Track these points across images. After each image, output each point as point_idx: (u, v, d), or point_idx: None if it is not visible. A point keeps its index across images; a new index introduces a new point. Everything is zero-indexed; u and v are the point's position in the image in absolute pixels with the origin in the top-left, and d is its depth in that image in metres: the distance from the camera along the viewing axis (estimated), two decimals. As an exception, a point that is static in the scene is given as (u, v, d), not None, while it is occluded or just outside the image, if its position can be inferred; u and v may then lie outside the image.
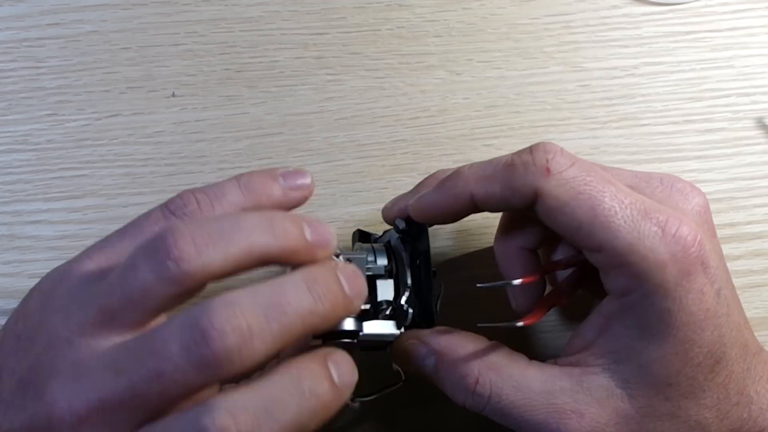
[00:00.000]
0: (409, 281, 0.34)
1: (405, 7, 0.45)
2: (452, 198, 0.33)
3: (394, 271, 0.35)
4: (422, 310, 0.34)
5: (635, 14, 0.46)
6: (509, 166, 0.31)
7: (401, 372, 0.35)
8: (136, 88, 0.43)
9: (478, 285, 0.32)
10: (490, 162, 0.33)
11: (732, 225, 0.43)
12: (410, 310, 0.34)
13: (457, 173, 0.33)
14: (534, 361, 0.33)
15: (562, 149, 0.31)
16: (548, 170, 0.30)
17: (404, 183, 0.43)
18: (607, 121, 0.44)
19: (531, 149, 0.32)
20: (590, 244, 0.30)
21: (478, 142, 0.44)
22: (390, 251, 0.35)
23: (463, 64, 0.44)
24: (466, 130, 0.44)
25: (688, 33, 0.46)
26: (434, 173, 0.37)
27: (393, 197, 0.38)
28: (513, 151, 0.33)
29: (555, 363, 0.33)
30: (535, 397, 0.31)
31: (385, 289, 0.34)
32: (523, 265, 0.35)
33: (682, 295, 0.29)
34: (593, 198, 0.30)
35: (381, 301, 0.34)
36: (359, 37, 0.44)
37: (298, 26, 0.44)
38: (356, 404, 0.34)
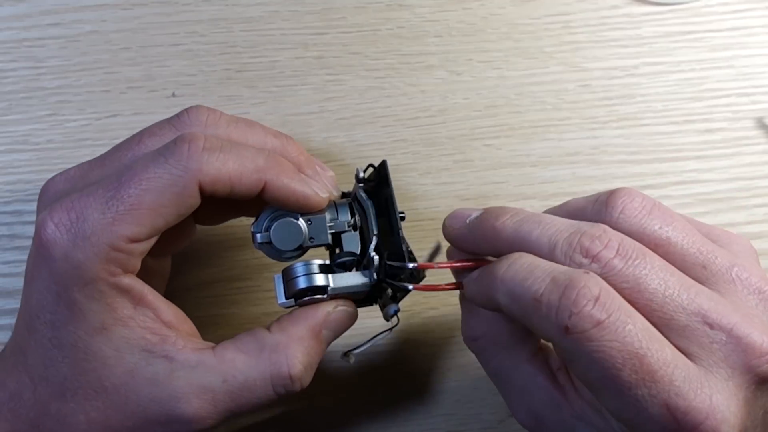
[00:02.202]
0: (375, 230, 0.34)
1: (405, 7, 0.45)
2: (479, 296, 0.32)
3: (359, 223, 0.35)
4: (392, 253, 0.34)
5: (635, 14, 0.46)
6: (536, 300, 0.28)
7: (397, 318, 0.35)
8: (136, 88, 0.43)
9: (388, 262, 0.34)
10: (525, 280, 0.29)
11: (732, 225, 0.43)
12: (375, 257, 0.34)
13: (490, 269, 0.31)
14: (536, 359, 0.33)
15: (598, 296, 0.27)
16: (567, 329, 0.28)
17: (404, 183, 0.43)
18: (607, 121, 0.44)
19: (566, 287, 0.28)
20: (597, 397, 0.29)
21: (479, 142, 0.44)
22: (353, 205, 0.36)
23: (463, 64, 0.44)
24: (466, 130, 0.44)
25: (688, 33, 0.46)
26: (488, 214, 0.33)
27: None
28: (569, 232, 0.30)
29: (553, 374, 0.33)
30: (515, 388, 0.33)
31: (351, 243, 0.35)
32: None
33: None
34: (605, 365, 0.27)
35: (342, 253, 0.34)
36: (359, 37, 0.44)
37: (298, 26, 0.44)
38: (351, 359, 0.35)
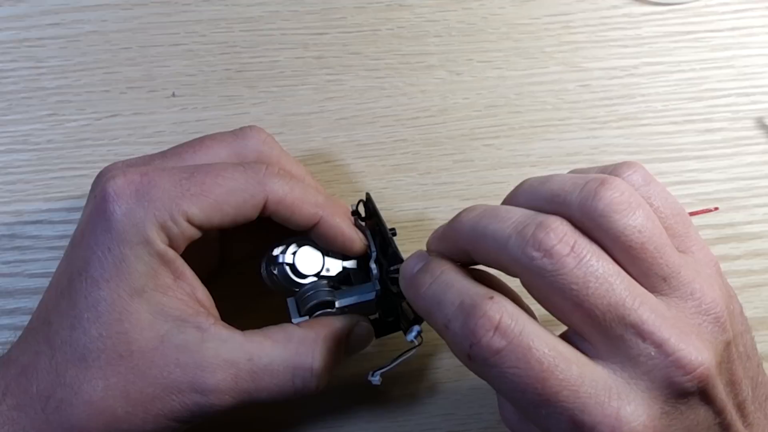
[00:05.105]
0: (373, 247, 0.36)
1: (405, 7, 0.45)
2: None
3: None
4: (389, 266, 0.36)
5: (635, 14, 0.46)
6: (445, 327, 0.29)
7: (420, 337, 0.35)
8: (136, 88, 0.43)
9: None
10: (439, 304, 0.30)
11: (732, 225, 0.43)
12: (375, 271, 0.36)
13: (435, 268, 0.31)
14: None
15: (498, 324, 0.28)
16: (469, 357, 0.28)
17: (404, 183, 0.43)
18: (607, 121, 0.44)
19: (467, 315, 0.28)
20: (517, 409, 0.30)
21: (478, 142, 0.44)
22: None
23: (463, 64, 0.44)
24: (466, 130, 0.44)
25: (688, 33, 0.46)
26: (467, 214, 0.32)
27: (393, 196, 0.38)
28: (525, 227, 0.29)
29: None
30: None
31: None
32: None
33: None
34: (507, 388, 0.28)
35: (344, 268, 0.36)
36: (359, 37, 0.44)
37: (298, 26, 0.44)
38: (377, 379, 0.36)
